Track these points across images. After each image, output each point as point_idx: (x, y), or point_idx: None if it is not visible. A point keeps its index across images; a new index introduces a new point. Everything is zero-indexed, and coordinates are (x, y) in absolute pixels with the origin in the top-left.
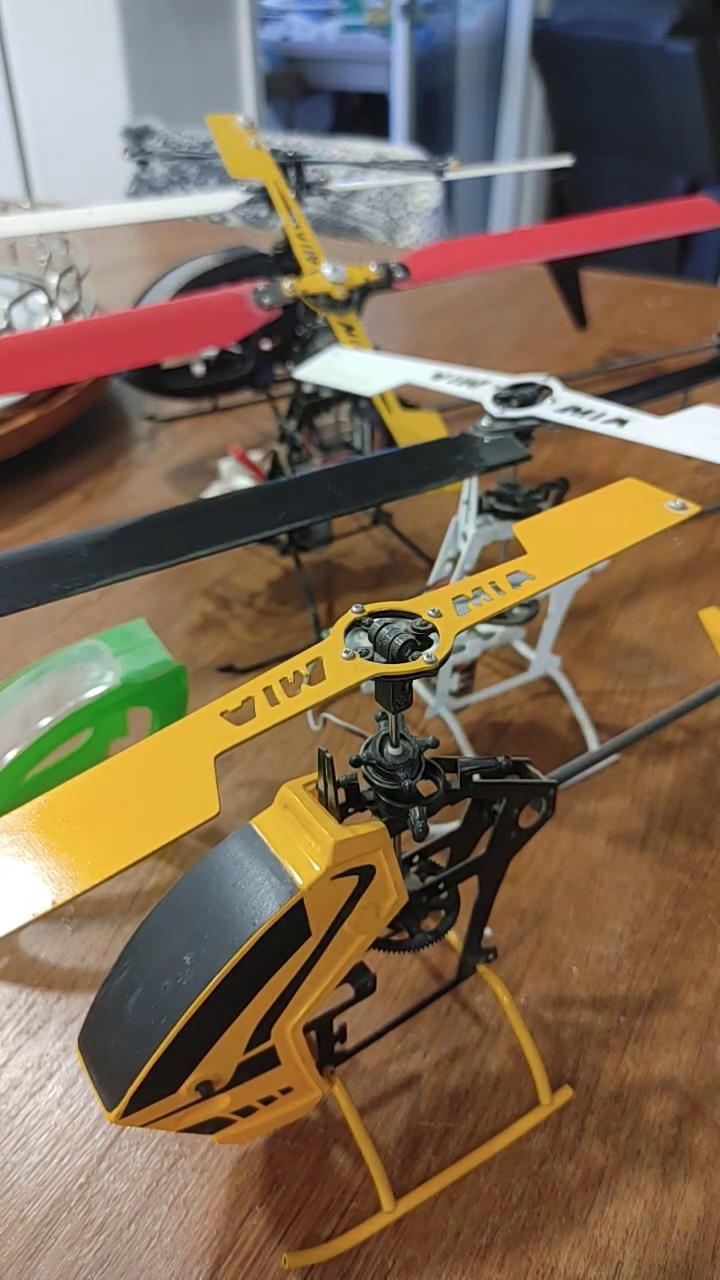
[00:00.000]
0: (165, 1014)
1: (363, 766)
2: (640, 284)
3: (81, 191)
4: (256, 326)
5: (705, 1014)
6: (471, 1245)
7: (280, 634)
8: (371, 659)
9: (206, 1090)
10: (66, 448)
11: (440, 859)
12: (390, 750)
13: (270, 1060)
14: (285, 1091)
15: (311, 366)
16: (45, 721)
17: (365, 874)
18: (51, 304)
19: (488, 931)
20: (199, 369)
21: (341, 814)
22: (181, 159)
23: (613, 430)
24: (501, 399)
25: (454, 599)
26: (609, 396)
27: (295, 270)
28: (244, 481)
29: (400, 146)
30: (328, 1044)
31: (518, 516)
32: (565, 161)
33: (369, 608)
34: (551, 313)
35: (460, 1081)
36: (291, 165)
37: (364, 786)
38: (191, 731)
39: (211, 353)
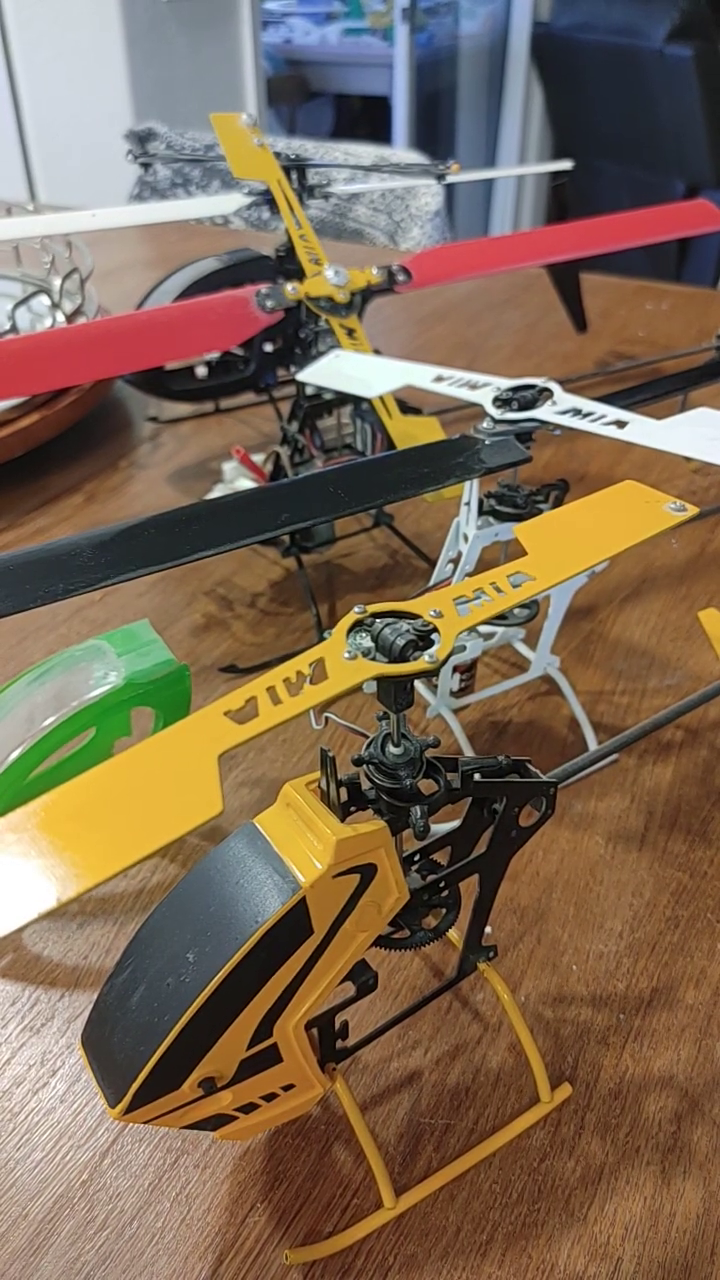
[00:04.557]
0: (168, 1011)
1: (364, 765)
2: (639, 287)
3: (85, 194)
4: (259, 329)
5: (704, 1011)
6: (472, 1241)
7: (282, 634)
8: (373, 659)
9: (209, 1087)
10: (70, 449)
11: (441, 857)
12: (392, 749)
13: (272, 1057)
14: (287, 1088)
15: (313, 369)
16: (49, 721)
17: (367, 872)
18: (55, 306)
19: (488, 929)
20: (202, 371)
21: (343, 813)
22: (184, 162)
23: (612, 432)
24: (502, 401)
25: (455, 600)
26: (608, 399)
27: (298, 273)
28: (246, 483)
29: (401, 150)
30: (329, 1041)
31: (518, 518)
32: (565, 165)
33: (371, 608)
34: (551, 316)
35: (461, 1078)
36: (294, 169)
37: (366, 785)
38: (195, 730)
39: (214, 355)
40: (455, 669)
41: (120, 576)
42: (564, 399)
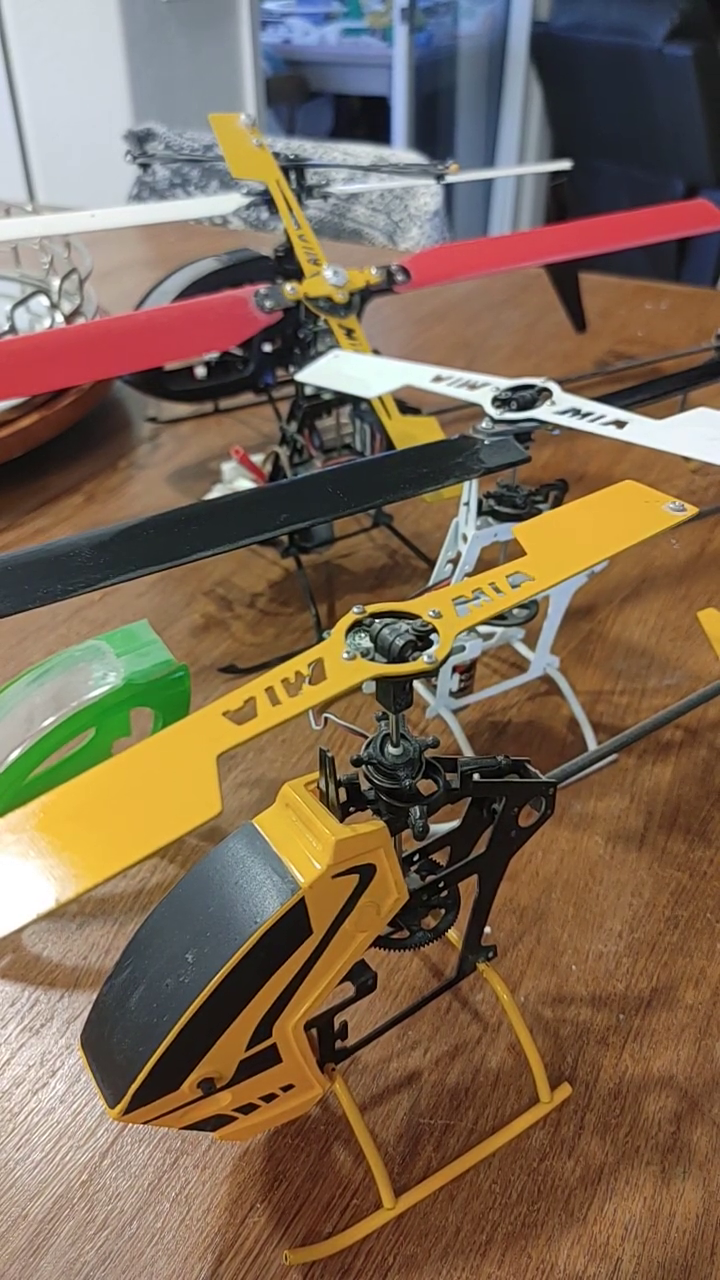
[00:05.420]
0: (167, 1012)
1: (364, 766)
2: (639, 287)
3: (84, 194)
4: (258, 329)
5: (703, 1012)
6: (471, 1242)
7: (282, 634)
8: (372, 659)
9: (208, 1087)
10: (69, 449)
11: (440, 857)
12: (391, 750)
13: (272, 1057)
14: (286, 1088)
15: (312, 369)
16: (49, 721)
17: (366, 872)
18: (54, 307)
19: (487, 930)
20: (201, 371)
21: (343, 813)
22: (183, 162)
23: (611, 432)
24: (501, 401)
25: (454, 600)
26: (608, 399)
27: (297, 273)
28: (245, 483)
29: (400, 150)
30: (329, 1041)
31: (517, 518)
32: (564, 165)
33: (370, 608)
34: (550, 315)
35: (460, 1079)
36: (292, 169)
37: (365, 786)
38: (193, 731)
39: (213, 355)
40: (454, 669)
41: (120, 577)
42: (563, 399)
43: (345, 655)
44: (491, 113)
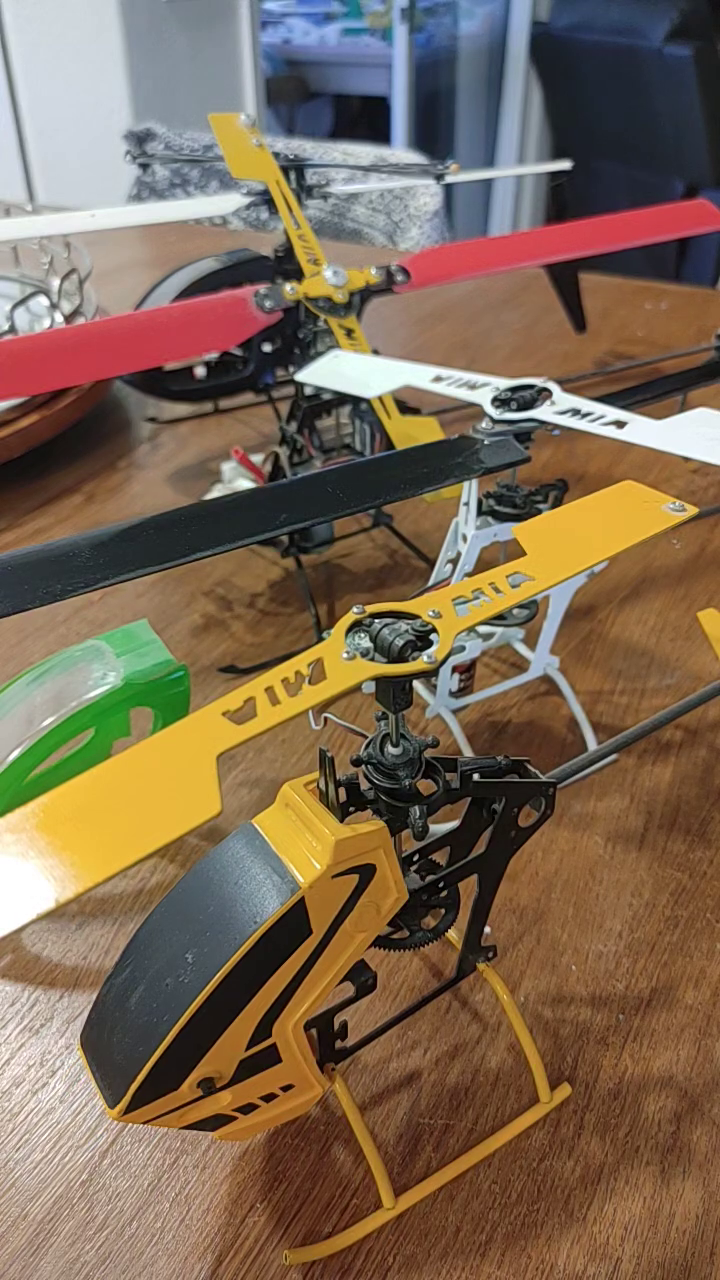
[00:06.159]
0: (167, 1012)
1: (363, 766)
2: (639, 287)
3: (83, 195)
4: (258, 329)
5: (703, 1012)
6: (471, 1242)
7: (281, 634)
8: (372, 659)
9: (208, 1087)
10: (69, 449)
11: (440, 857)
12: (391, 750)
13: (271, 1057)
14: (286, 1088)
15: (312, 369)
16: (48, 721)
17: (366, 872)
18: (54, 307)
19: (487, 930)
20: (200, 371)
21: (342, 813)
22: (183, 162)
23: (611, 432)
24: (501, 401)
25: (454, 600)
26: (607, 399)
27: (296, 273)
28: (245, 483)
29: (400, 150)
30: (328, 1041)
31: (517, 518)
32: (564, 165)
33: (370, 608)
34: (550, 315)
35: (460, 1079)
36: (292, 169)
37: (365, 786)
38: (193, 731)
39: (213, 355)
40: (454, 669)
41: (119, 577)
42: (563, 399)
43: (345, 655)
44: (491, 113)
